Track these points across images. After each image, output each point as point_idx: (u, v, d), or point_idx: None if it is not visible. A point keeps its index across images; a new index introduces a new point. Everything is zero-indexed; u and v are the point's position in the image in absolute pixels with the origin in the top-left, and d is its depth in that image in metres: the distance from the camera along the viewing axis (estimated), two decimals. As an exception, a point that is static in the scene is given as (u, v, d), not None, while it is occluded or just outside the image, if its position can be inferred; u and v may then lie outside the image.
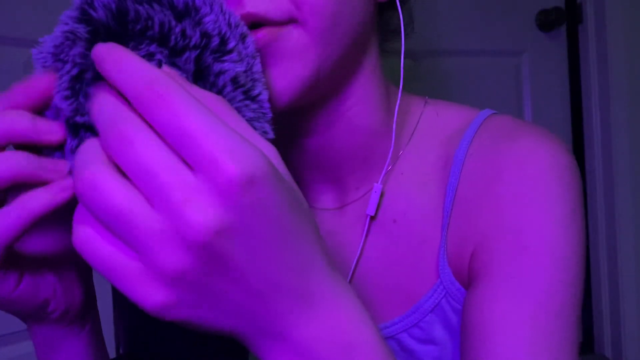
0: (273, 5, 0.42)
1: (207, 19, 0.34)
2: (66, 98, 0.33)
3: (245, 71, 0.35)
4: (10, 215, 0.32)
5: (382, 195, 0.56)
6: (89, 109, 0.30)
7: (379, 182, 0.55)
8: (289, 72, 0.44)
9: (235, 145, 0.27)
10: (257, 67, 0.36)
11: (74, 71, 0.33)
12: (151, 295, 0.28)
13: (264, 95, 0.35)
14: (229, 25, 0.35)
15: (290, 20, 0.43)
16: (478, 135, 0.54)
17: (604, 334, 1.75)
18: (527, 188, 0.49)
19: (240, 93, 0.34)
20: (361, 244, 0.55)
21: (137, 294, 0.28)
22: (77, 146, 0.33)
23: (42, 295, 0.40)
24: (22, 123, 0.32)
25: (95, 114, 0.29)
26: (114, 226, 0.27)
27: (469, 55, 1.65)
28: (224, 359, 0.36)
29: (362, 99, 0.53)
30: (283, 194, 0.29)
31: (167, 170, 0.27)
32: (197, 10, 0.34)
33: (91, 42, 0.33)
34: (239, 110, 0.34)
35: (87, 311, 0.45)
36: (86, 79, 0.33)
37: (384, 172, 0.55)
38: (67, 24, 0.34)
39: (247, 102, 0.35)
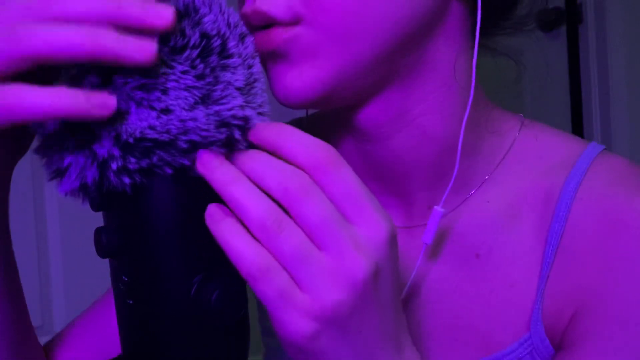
0: (282, 3, 0.41)
1: (206, 19, 0.34)
2: None
3: (245, 72, 0.35)
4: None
5: (461, 222, 0.50)
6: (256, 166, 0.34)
7: (440, 205, 0.46)
8: (303, 73, 0.42)
9: (379, 206, 0.35)
10: (257, 67, 0.36)
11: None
12: (307, 325, 0.32)
13: (263, 98, 0.36)
14: (228, 25, 0.35)
15: (299, 20, 0.41)
16: (589, 176, 0.47)
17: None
18: None
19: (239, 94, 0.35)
20: (414, 271, 0.48)
21: (295, 321, 0.32)
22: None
23: None
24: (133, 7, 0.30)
25: (275, 177, 0.33)
26: (292, 263, 0.32)
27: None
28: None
29: (434, 107, 0.46)
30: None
31: (339, 223, 0.33)
32: (196, 10, 0.34)
33: None
34: None
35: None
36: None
37: (446, 192, 0.46)
38: None
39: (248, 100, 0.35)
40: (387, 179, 0.50)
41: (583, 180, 0.47)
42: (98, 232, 0.36)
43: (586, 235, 0.46)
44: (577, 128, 1.78)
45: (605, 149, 0.49)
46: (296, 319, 0.32)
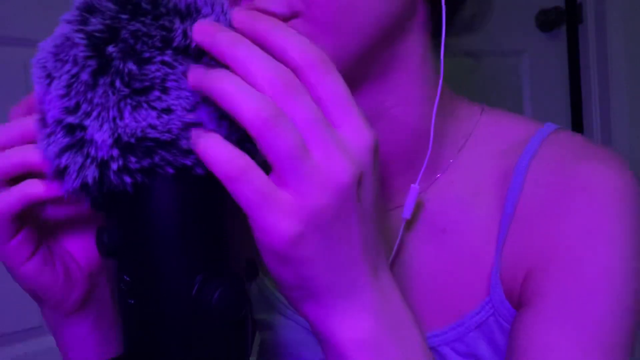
0: (282, 1, 0.42)
1: (207, 19, 0.34)
2: (61, 97, 0.33)
3: None
4: (11, 194, 0.38)
5: (430, 202, 0.54)
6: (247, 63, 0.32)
7: (417, 183, 0.51)
8: None
9: (363, 114, 0.34)
10: None
11: (74, 70, 0.33)
12: (290, 225, 0.31)
13: None
14: (230, 25, 0.35)
15: (296, 14, 0.43)
16: (541, 150, 0.51)
17: (604, 333, 1.75)
18: (595, 216, 0.47)
19: None
20: (395, 246, 0.53)
21: (277, 222, 0.31)
22: (68, 144, 0.34)
23: (43, 280, 0.42)
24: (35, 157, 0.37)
25: (263, 70, 0.31)
26: (283, 160, 0.31)
27: (468, 56, 1.65)
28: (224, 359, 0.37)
29: (405, 98, 0.50)
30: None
31: (326, 124, 0.32)
32: (198, 10, 0.34)
33: (88, 47, 0.33)
34: None
35: (85, 309, 0.46)
36: (82, 79, 0.33)
37: (420, 173, 0.51)
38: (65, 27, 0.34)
39: None
40: None
41: (535, 154, 0.51)
42: (100, 231, 0.36)
43: (537, 201, 0.50)
44: (577, 128, 1.78)
45: (559, 128, 0.54)
46: (280, 219, 0.31)
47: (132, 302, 0.35)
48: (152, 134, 0.32)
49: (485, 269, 0.52)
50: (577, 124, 1.78)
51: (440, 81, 0.50)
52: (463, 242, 0.53)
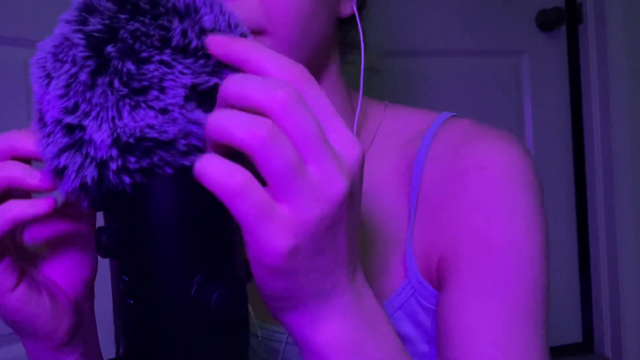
0: (247, 15, 0.44)
1: (205, 18, 0.34)
2: (60, 97, 0.33)
3: None
4: None
5: None
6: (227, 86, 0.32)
7: None
8: None
9: (348, 127, 0.34)
10: None
11: (73, 70, 0.33)
12: (287, 240, 0.31)
13: None
14: (229, 25, 0.35)
15: (259, 31, 0.47)
16: (437, 138, 0.56)
17: (604, 334, 1.75)
18: (488, 192, 0.51)
19: None
20: None
21: (274, 237, 0.31)
22: (67, 144, 0.34)
23: (30, 310, 0.41)
24: (17, 171, 0.38)
25: (258, 88, 0.31)
26: (280, 176, 0.30)
27: (469, 56, 1.65)
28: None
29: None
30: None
31: (323, 137, 0.32)
32: (197, 10, 0.34)
33: (87, 47, 0.33)
34: None
35: (74, 340, 0.45)
36: (81, 79, 0.33)
37: None
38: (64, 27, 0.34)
39: None
40: None
41: (432, 142, 0.56)
42: (99, 231, 0.36)
43: (437, 186, 0.54)
44: (577, 128, 1.78)
45: (455, 115, 0.58)
46: (277, 234, 0.31)
47: (131, 302, 0.35)
48: (151, 133, 0.32)
49: (401, 254, 0.55)
50: (577, 124, 1.78)
51: (361, 89, 0.57)
52: (377, 232, 0.56)
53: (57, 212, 0.39)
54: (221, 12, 0.35)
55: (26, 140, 0.38)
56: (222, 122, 0.31)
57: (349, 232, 0.34)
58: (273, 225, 0.31)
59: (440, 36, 1.62)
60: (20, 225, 0.38)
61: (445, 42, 1.63)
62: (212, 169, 0.30)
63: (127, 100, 0.33)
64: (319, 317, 0.35)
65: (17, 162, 0.38)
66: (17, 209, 0.37)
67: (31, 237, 0.42)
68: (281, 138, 0.30)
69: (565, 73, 1.75)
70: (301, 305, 0.34)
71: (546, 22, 1.68)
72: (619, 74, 1.68)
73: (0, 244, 0.38)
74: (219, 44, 0.34)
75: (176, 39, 0.33)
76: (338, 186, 0.32)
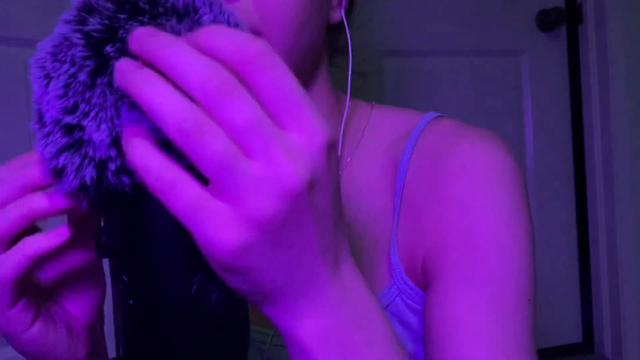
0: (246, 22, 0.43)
1: (205, 18, 0.34)
2: (59, 97, 0.33)
3: None
4: (10, 257, 0.37)
5: None
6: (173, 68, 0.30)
7: None
8: None
9: (315, 111, 0.31)
10: None
11: (72, 70, 0.33)
12: (231, 236, 0.29)
13: None
14: (229, 24, 0.35)
15: (255, 34, 0.45)
16: (422, 137, 0.56)
17: (604, 334, 1.75)
18: (471, 190, 0.51)
19: None
20: None
21: (216, 233, 0.29)
22: (66, 144, 0.33)
23: (48, 345, 0.41)
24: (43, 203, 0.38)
25: (194, 73, 0.29)
26: (215, 171, 0.29)
27: (469, 56, 1.65)
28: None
29: (320, 107, 0.54)
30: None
31: (268, 127, 0.29)
32: (196, 10, 0.34)
33: (86, 47, 0.33)
34: None
35: None
36: (80, 79, 0.33)
37: None
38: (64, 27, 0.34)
39: None
40: None
41: (417, 142, 0.56)
42: (98, 232, 0.36)
43: (421, 185, 0.54)
44: (577, 128, 1.78)
45: (440, 115, 0.59)
46: (218, 231, 0.29)
47: (131, 302, 0.35)
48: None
49: (386, 254, 0.56)
50: (577, 124, 1.78)
51: (349, 93, 0.59)
52: (365, 232, 0.56)
53: (70, 242, 0.39)
54: (221, 11, 0.35)
55: (39, 169, 0.38)
56: (150, 98, 0.29)
57: (322, 224, 0.32)
58: (212, 222, 0.29)
59: (441, 36, 1.62)
60: (38, 261, 0.38)
61: (445, 42, 1.63)
62: (143, 162, 0.29)
63: (126, 100, 0.33)
64: (299, 312, 0.34)
65: (37, 194, 0.38)
66: (34, 245, 0.38)
67: (44, 271, 0.42)
68: (210, 129, 0.28)
69: (565, 73, 1.75)
70: (272, 301, 0.33)
71: (546, 22, 1.68)
72: (619, 74, 1.68)
73: (19, 283, 0.38)
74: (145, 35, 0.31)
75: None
76: (290, 179, 0.29)
